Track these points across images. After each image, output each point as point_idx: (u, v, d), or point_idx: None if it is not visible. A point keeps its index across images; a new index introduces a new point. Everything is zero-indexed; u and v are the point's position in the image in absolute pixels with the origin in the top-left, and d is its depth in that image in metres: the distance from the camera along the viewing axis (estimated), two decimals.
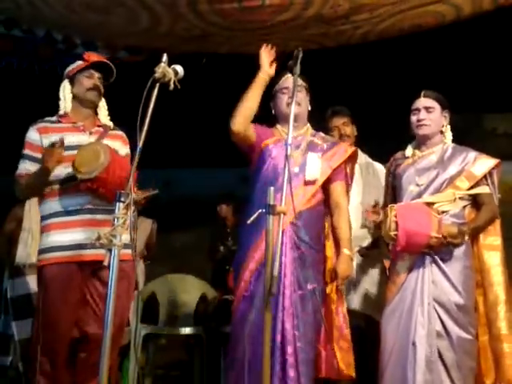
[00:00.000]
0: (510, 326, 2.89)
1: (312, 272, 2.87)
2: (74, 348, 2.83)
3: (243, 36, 3.94)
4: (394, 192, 3.17)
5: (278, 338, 2.73)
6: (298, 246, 2.85)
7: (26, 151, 2.89)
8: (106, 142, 2.92)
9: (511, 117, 5.89)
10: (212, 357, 4.08)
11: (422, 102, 3.06)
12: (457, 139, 3.13)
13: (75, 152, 2.77)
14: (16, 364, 3.95)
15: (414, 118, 3.07)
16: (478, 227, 2.96)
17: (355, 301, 3.44)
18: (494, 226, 3.02)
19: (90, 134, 2.94)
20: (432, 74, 4.65)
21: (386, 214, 2.88)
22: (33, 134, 2.89)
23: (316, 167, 2.92)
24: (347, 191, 3.10)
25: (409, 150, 3.14)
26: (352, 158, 3.10)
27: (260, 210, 2.26)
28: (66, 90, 2.96)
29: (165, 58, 2.28)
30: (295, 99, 2.82)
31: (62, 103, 2.96)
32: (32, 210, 3.85)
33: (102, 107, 3.04)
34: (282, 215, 2.21)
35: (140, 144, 2.17)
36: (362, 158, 3.69)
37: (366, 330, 3.46)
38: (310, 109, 3.07)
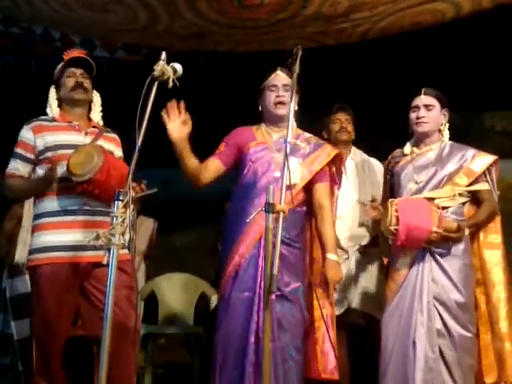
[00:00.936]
0: None
1: (294, 272, 2.85)
2: (70, 348, 2.82)
3: (242, 34, 3.94)
4: (392, 190, 3.17)
5: (252, 339, 2.72)
6: None
7: (19, 150, 2.85)
8: (100, 143, 2.89)
9: (510, 114, 5.89)
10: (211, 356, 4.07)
11: (422, 99, 3.06)
12: (456, 137, 3.13)
13: (70, 151, 2.75)
14: (15, 363, 3.94)
15: (413, 115, 3.07)
16: (478, 223, 2.96)
17: (355, 300, 3.44)
18: (494, 224, 3.02)
19: (86, 134, 2.91)
20: (430, 71, 4.64)
21: (386, 209, 2.88)
22: (27, 133, 2.85)
23: (296, 172, 2.85)
24: (332, 192, 3.07)
25: (407, 148, 3.14)
26: (336, 160, 3.05)
27: (259, 209, 2.26)
28: (51, 96, 2.94)
29: (163, 55, 2.27)
30: (283, 99, 2.85)
31: (48, 110, 2.94)
32: (32, 209, 3.85)
33: (96, 102, 3.00)
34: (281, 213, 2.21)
35: (139, 142, 2.16)
36: (358, 155, 3.69)
37: (367, 329, 3.46)
38: (297, 109, 3.04)
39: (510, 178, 5.10)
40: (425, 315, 2.82)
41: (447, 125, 3.11)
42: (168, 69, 2.27)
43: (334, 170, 3.06)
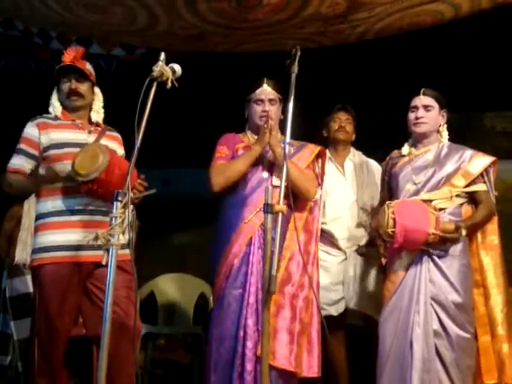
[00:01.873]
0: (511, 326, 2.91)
1: None
2: (70, 348, 2.82)
3: (240, 35, 3.93)
4: (390, 191, 3.18)
5: (241, 333, 2.81)
6: None
7: (23, 146, 2.85)
8: (103, 141, 2.91)
9: (510, 115, 5.88)
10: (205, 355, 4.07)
11: (421, 100, 3.06)
12: (455, 137, 3.13)
13: (74, 149, 2.76)
14: (15, 364, 3.94)
15: (412, 116, 3.08)
16: (475, 223, 2.97)
17: (353, 300, 3.45)
18: (492, 225, 3.02)
19: (89, 132, 2.93)
20: (430, 72, 4.64)
21: (383, 211, 2.88)
22: (31, 130, 2.86)
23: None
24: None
25: (405, 149, 3.15)
26: (320, 157, 3.15)
27: (258, 209, 2.28)
28: (53, 98, 2.96)
29: (162, 56, 2.28)
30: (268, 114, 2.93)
31: (51, 109, 2.95)
32: (31, 209, 3.84)
33: (97, 100, 3.00)
34: (280, 214, 2.23)
35: (138, 143, 2.17)
36: (357, 156, 3.69)
37: (365, 330, 3.46)
38: (281, 117, 3.05)
39: (510, 178, 5.10)
40: (422, 316, 2.83)
41: (446, 126, 3.12)
42: (167, 69, 2.28)
43: (317, 171, 3.13)
